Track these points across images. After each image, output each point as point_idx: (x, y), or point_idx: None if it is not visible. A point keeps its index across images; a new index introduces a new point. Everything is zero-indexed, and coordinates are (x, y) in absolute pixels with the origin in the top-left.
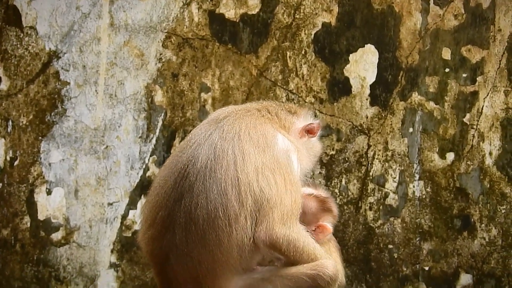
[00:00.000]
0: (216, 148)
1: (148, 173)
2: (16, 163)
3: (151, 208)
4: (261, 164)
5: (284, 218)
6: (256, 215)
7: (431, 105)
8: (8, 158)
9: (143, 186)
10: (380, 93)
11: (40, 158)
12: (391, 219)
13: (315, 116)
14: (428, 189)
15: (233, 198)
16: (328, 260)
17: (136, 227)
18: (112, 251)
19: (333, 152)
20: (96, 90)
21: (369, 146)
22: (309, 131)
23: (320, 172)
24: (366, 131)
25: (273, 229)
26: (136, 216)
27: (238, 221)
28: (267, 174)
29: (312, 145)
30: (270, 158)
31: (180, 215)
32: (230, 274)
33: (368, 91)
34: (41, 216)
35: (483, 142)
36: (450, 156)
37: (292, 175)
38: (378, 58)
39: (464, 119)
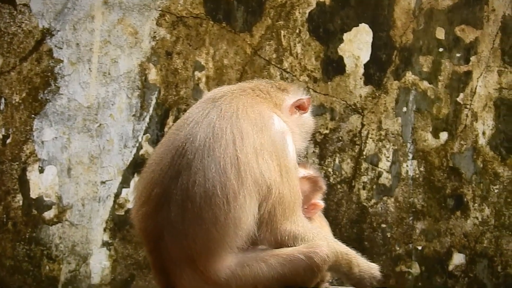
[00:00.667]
0: (215, 126)
1: (141, 152)
2: (8, 141)
3: (146, 185)
4: (260, 145)
5: (287, 214)
6: (256, 196)
7: (424, 84)
8: (0, 136)
9: (136, 164)
10: (374, 72)
11: (33, 136)
12: (384, 198)
13: (306, 92)
14: (422, 169)
15: (232, 177)
16: (323, 240)
17: (129, 205)
18: (104, 230)
19: (327, 131)
20: (89, 68)
21: (362, 125)
22: (300, 107)
23: (313, 151)
24: (360, 110)
25: (278, 229)
26: (129, 194)
27: (236, 200)
28: (266, 158)
29: (304, 121)
30: (268, 140)
31: (177, 192)
32: (225, 252)
33: (362, 70)
34: (33, 194)
35: (476, 122)
36: (444, 135)
37: (288, 160)
38: (372, 38)
39: (458, 99)
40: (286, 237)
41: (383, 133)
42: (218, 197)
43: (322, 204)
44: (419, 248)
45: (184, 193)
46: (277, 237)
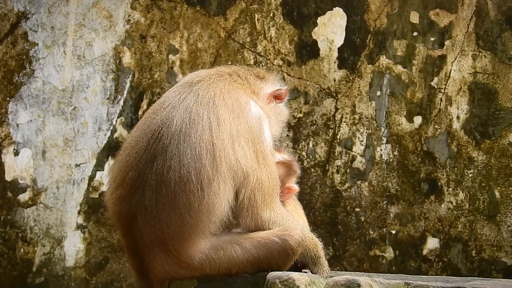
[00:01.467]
0: (191, 112)
1: (115, 135)
2: None
3: (121, 168)
4: (236, 131)
5: (266, 200)
6: (230, 183)
7: (399, 68)
8: None
9: (110, 148)
10: (348, 56)
11: (8, 119)
12: (358, 182)
13: (283, 81)
14: (396, 153)
15: (207, 163)
16: (297, 224)
17: (103, 188)
18: (79, 213)
19: (301, 115)
20: (64, 51)
21: (336, 109)
22: (276, 97)
23: (287, 135)
24: (334, 94)
25: (258, 214)
26: (103, 177)
27: (210, 186)
28: (242, 145)
29: (279, 110)
30: (244, 126)
31: (151, 176)
32: (198, 237)
33: (336, 54)
34: (8, 177)
35: (450, 106)
36: (418, 119)
37: (265, 146)
38: (346, 21)
39: (432, 83)
40: (266, 223)
41: (357, 117)
42: (192, 183)
43: (296, 188)
44: (393, 232)
45: (158, 178)
46: (257, 223)
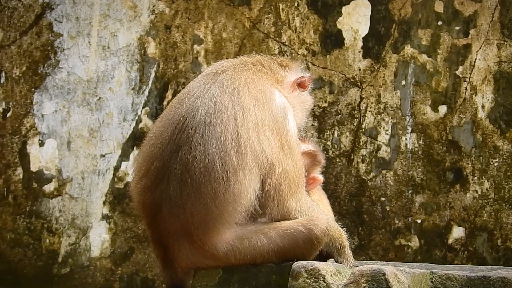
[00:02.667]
0: (216, 102)
1: (140, 125)
2: (9, 114)
3: (145, 158)
4: (261, 121)
5: (292, 190)
6: (256, 172)
7: (423, 57)
8: (1, 110)
9: (135, 138)
10: (373, 45)
11: (33, 110)
12: (383, 171)
13: (307, 70)
14: (421, 142)
15: (233, 153)
16: (322, 214)
17: (129, 178)
18: (104, 203)
19: (326, 105)
20: (89, 42)
21: (361, 98)
22: (300, 85)
23: (312, 125)
24: (359, 84)
25: (284, 204)
26: (128, 167)
27: (236, 175)
28: (267, 135)
29: (303, 98)
30: (269, 116)
31: (176, 166)
32: (223, 227)
33: (360, 44)
34: (33, 168)
35: (475, 95)
36: (443, 109)
37: (290, 135)
38: (371, 11)
39: (457, 72)
40: (292, 213)
41: (382, 106)
42: (217, 173)
43: (321, 178)
44: (418, 221)
45: (183, 168)
46: (283, 213)
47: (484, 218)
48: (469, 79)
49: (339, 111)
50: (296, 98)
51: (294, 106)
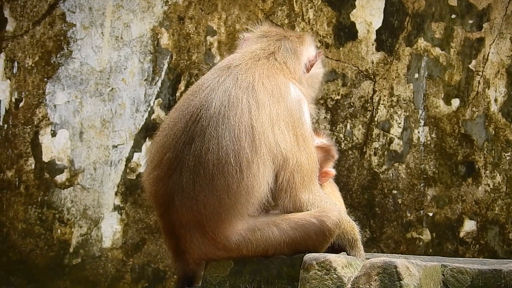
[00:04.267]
0: (231, 95)
1: (153, 116)
2: (21, 104)
3: (158, 149)
4: (276, 115)
5: (305, 182)
6: (270, 165)
7: (437, 51)
8: (13, 100)
9: (148, 129)
10: (386, 38)
11: (45, 100)
12: (396, 164)
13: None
14: (433, 135)
15: (246, 146)
16: (334, 206)
17: (141, 169)
18: (116, 194)
19: (339, 97)
20: (102, 32)
21: (374, 91)
22: (310, 65)
23: (325, 117)
24: (372, 76)
25: (297, 196)
26: (140, 158)
27: (250, 168)
28: (282, 128)
29: (315, 75)
30: (284, 110)
31: (189, 158)
32: (235, 219)
33: (374, 36)
34: (45, 158)
35: (488, 89)
36: (455, 102)
37: (305, 129)
38: (385, 3)
39: (470, 66)
40: (304, 205)
41: (394, 99)
42: (231, 165)
43: (333, 172)
44: (430, 214)
45: (196, 159)
46: (296, 205)
47: (496, 212)
48: (482, 72)
49: (352, 104)
50: (309, 80)
51: (307, 91)
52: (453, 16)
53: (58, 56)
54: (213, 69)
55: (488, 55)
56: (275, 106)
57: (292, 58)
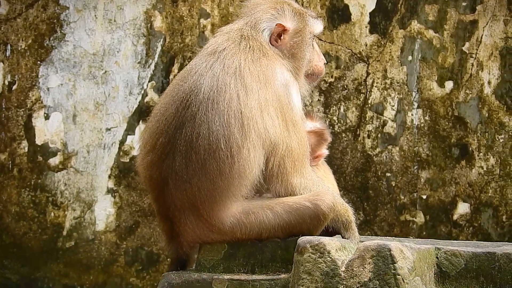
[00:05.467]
0: (219, 80)
1: (146, 99)
2: (14, 87)
3: (151, 134)
4: (264, 100)
5: (296, 166)
6: (260, 149)
7: (430, 33)
8: (6, 83)
9: (141, 112)
10: (380, 21)
11: (39, 83)
12: (389, 147)
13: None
14: (427, 118)
15: (236, 131)
16: (328, 189)
17: (134, 152)
18: (109, 177)
19: (332, 80)
20: (95, 15)
21: (368, 73)
22: (279, 35)
23: (318, 100)
24: (365, 59)
25: (289, 181)
26: (134, 141)
27: (240, 153)
28: (271, 114)
29: (295, 43)
30: (272, 95)
31: (181, 143)
32: (229, 201)
33: (367, 19)
34: (38, 141)
35: (482, 71)
36: (449, 84)
37: (294, 113)
38: None
39: (463, 48)
40: (296, 189)
41: (388, 81)
42: (222, 151)
43: (326, 152)
44: (424, 197)
45: (188, 145)
46: (287, 189)
47: (490, 194)
48: (476, 55)
49: (345, 86)
50: (290, 51)
51: (294, 62)
52: None
53: (51, 39)
54: (200, 54)
55: (481, 38)
56: (263, 91)
57: (260, 35)
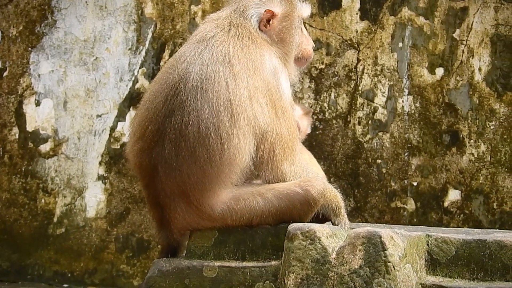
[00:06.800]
0: (208, 68)
1: (137, 85)
2: (5, 74)
3: (141, 121)
4: (253, 88)
5: (286, 153)
6: (250, 136)
7: (421, 20)
8: None
9: (132, 98)
10: (370, 7)
11: (30, 69)
12: (380, 134)
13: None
14: (417, 104)
15: (225, 119)
16: (317, 175)
17: (125, 139)
18: (100, 163)
19: (323, 66)
20: (86, 2)
21: (358, 60)
22: (269, 21)
23: (309, 86)
24: (356, 46)
25: (279, 168)
26: (124, 128)
27: (230, 141)
28: (260, 101)
29: (283, 28)
30: (261, 82)
31: (170, 131)
32: (219, 188)
33: (358, 5)
34: (29, 128)
35: (472, 58)
36: (440, 71)
37: (283, 100)
38: None
39: (454, 35)
40: (286, 176)
41: (378, 68)
42: (211, 138)
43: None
44: (415, 184)
45: (177, 132)
46: (277, 176)
47: (480, 181)
48: (466, 42)
49: (336, 73)
50: (279, 36)
51: (283, 47)
52: None
53: (42, 25)
54: (189, 41)
55: (472, 24)
56: (252, 79)
57: (249, 22)
